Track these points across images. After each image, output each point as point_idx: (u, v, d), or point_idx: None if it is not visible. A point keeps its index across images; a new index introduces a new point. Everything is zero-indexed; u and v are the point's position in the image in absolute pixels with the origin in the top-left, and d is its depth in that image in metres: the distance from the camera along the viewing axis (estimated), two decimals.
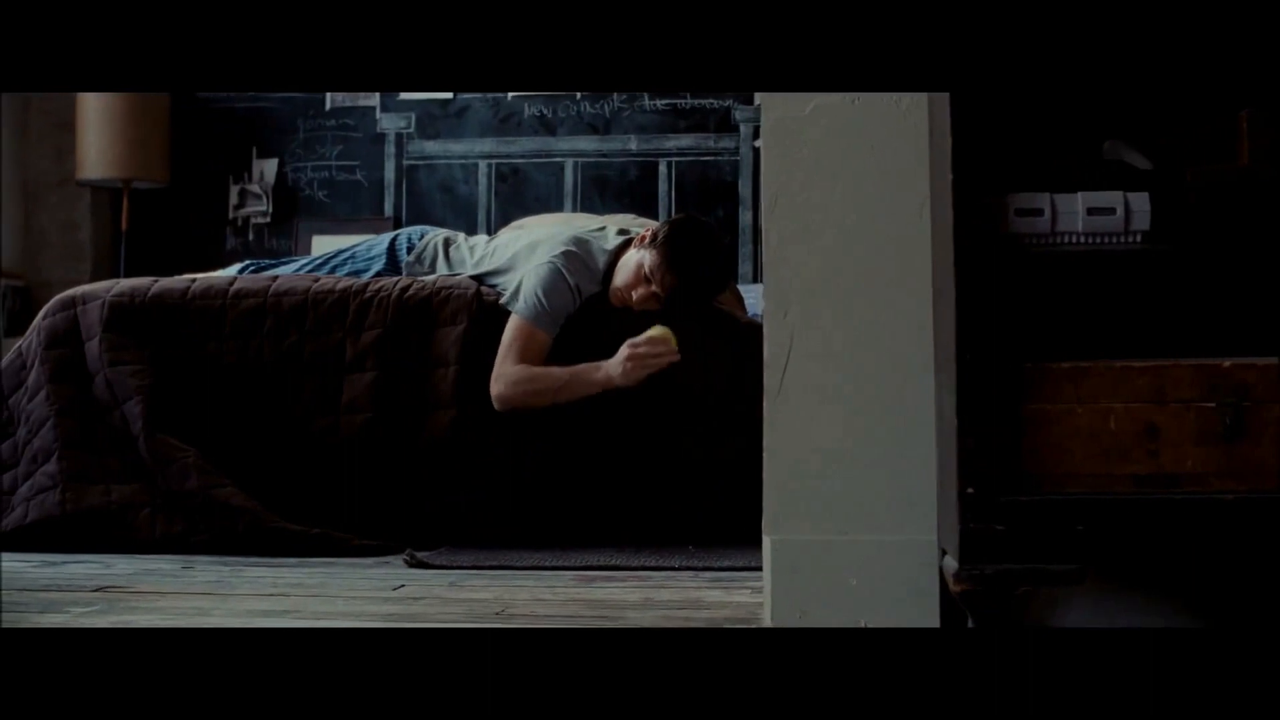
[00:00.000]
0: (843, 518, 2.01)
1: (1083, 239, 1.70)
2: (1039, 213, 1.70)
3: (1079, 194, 1.70)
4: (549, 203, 5.32)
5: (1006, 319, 1.65)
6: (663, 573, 2.68)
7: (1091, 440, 1.64)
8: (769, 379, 2.05)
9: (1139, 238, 1.71)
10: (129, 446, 3.19)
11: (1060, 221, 1.70)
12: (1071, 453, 1.65)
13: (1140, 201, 1.70)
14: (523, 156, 5.38)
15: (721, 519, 3.14)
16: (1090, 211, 1.70)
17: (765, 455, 2.05)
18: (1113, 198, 1.70)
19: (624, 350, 3.09)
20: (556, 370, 3.15)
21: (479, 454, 3.19)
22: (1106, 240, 1.71)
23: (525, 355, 3.14)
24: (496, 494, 3.18)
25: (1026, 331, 1.68)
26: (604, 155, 5.36)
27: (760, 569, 2.64)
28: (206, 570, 2.74)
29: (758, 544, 2.98)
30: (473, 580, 2.58)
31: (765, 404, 2.05)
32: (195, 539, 3.06)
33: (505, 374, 3.14)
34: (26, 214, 5.30)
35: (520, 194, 5.36)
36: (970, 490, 1.62)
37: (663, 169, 5.32)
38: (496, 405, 3.16)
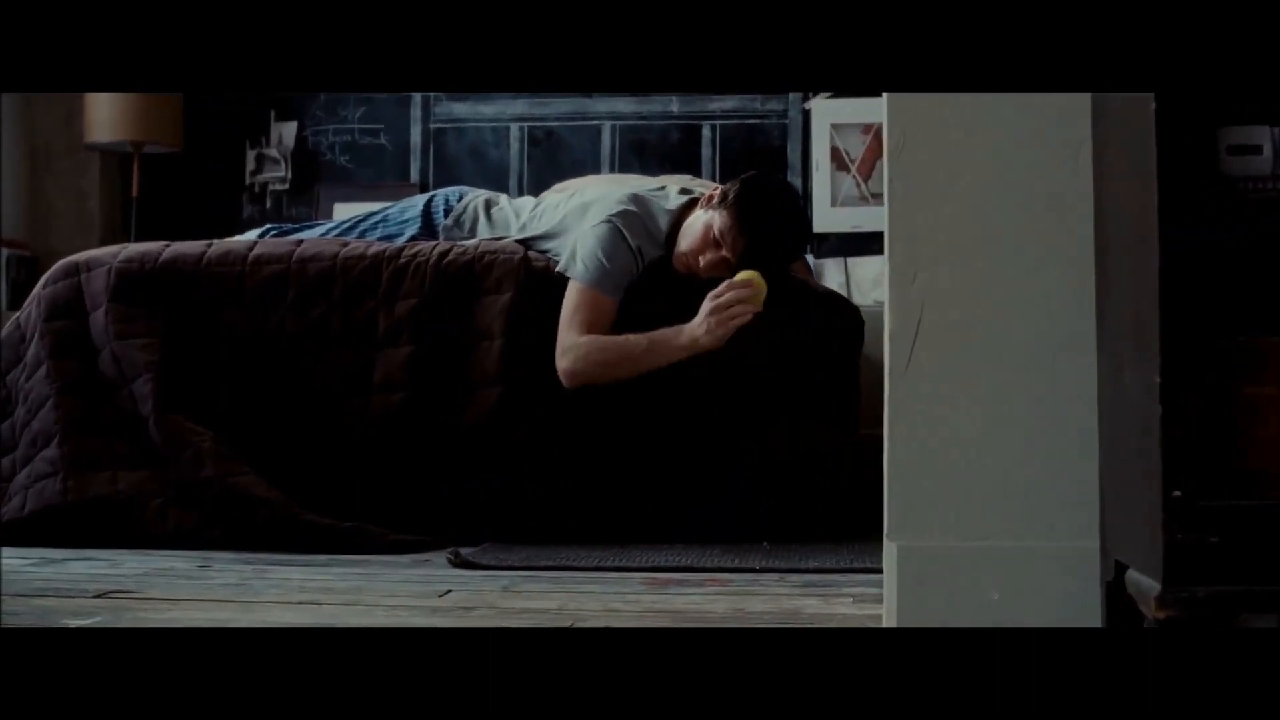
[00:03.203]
0: (983, 520, 1.69)
1: None
2: (1257, 150, 1.38)
3: None
4: (585, 168, 4.99)
5: (1219, 281, 1.33)
6: (743, 575, 2.36)
7: None
8: (893, 356, 1.73)
9: None
10: (138, 429, 2.87)
11: None
12: None
13: None
14: (557, 119, 5.06)
15: (796, 514, 2.83)
16: None
17: (887, 445, 1.73)
18: None
19: (706, 305, 2.77)
20: (633, 337, 2.83)
21: (526, 437, 2.87)
22: None
23: (591, 324, 2.82)
24: (546, 481, 2.87)
25: (1243, 297, 1.35)
26: (643, 118, 5.04)
27: (859, 571, 2.34)
28: (225, 570, 2.44)
29: (840, 542, 2.70)
30: (528, 584, 2.27)
31: (887, 386, 1.73)
32: (212, 533, 2.76)
33: (573, 346, 2.81)
34: (33, 181, 5.02)
35: (554, 158, 5.04)
36: (1177, 493, 1.31)
37: (706, 132, 5.00)
38: (566, 381, 2.84)
